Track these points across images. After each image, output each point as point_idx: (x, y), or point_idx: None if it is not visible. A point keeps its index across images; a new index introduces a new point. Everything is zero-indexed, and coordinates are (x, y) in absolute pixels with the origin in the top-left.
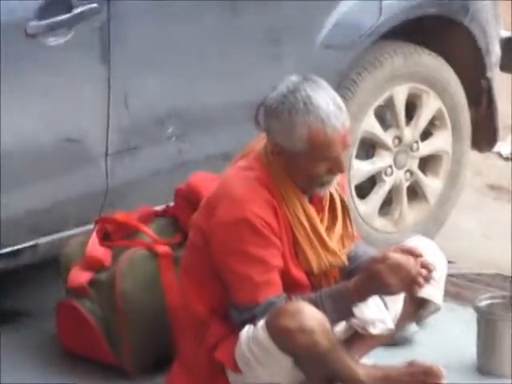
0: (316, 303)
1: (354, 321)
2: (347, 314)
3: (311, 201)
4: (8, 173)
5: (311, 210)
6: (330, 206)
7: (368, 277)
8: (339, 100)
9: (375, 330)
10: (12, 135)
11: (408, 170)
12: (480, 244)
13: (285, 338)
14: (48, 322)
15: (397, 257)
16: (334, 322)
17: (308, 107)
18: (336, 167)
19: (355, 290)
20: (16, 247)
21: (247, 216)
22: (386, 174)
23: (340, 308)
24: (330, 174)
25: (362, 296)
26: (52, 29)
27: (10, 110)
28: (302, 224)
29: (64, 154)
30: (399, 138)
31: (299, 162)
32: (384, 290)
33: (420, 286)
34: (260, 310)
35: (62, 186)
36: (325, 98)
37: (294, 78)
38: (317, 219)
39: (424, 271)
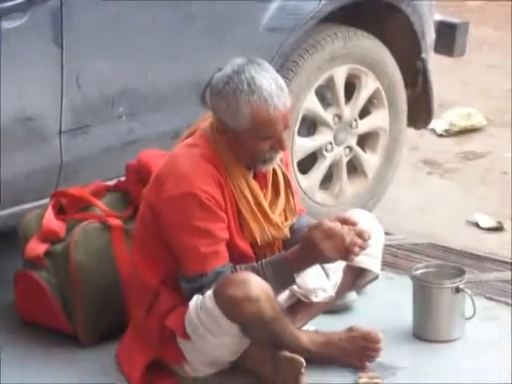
0: (258, 272)
1: (296, 289)
2: (288, 282)
3: (255, 177)
4: None
5: (255, 185)
6: (273, 181)
7: (303, 244)
8: (281, 81)
9: (317, 298)
10: None
11: (347, 147)
12: (415, 216)
13: (231, 306)
14: (6, 293)
15: (330, 224)
16: (276, 290)
17: (252, 87)
18: (278, 145)
19: (293, 257)
20: None
21: (194, 191)
22: (326, 150)
23: (280, 276)
24: (273, 152)
25: (300, 263)
26: (7, 13)
27: None
28: (246, 198)
29: (20, 131)
30: (339, 116)
31: (243, 140)
32: (318, 255)
33: (355, 254)
34: (208, 279)
35: (18, 161)
36: (268, 80)
37: (238, 60)
38: (260, 194)
39: (359, 240)
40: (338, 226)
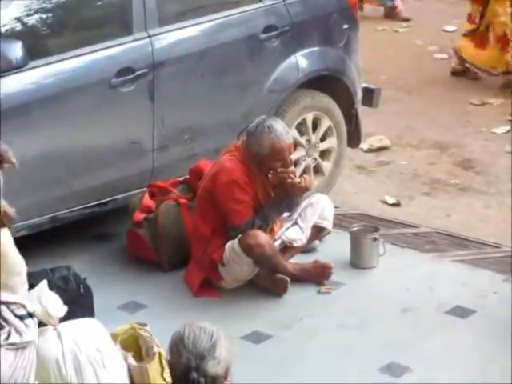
0: (264, 216)
1: (285, 239)
2: (280, 213)
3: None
4: (103, 159)
5: (266, 182)
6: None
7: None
8: (287, 127)
9: (296, 244)
10: (105, 139)
11: (313, 158)
12: (352, 197)
13: (248, 248)
14: (122, 241)
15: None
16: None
17: (270, 130)
18: (285, 164)
19: (276, 199)
20: (106, 199)
21: (235, 178)
22: (301, 160)
23: (273, 212)
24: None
25: (281, 197)
26: (124, 83)
27: (101, 126)
28: (260, 187)
29: (130, 150)
30: (309, 141)
31: (264, 161)
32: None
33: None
34: (242, 228)
35: (130, 166)
36: (279, 126)
37: (263, 117)
38: (268, 186)
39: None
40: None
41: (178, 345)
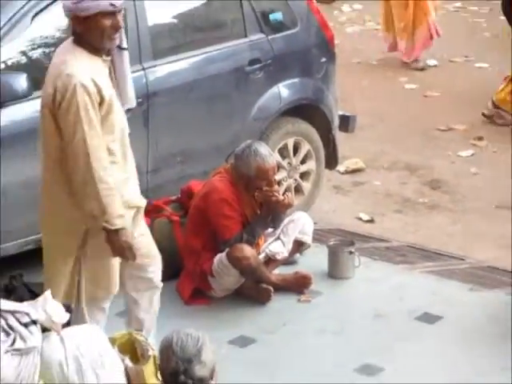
0: (252, 230)
1: (268, 252)
2: (265, 228)
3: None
4: None
5: (252, 200)
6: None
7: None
8: (270, 151)
9: (279, 257)
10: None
11: (294, 179)
12: (330, 214)
13: (235, 261)
14: None
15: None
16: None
17: (256, 153)
18: (269, 184)
19: (262, 215)
20: None
21: (225, 197)
22: (283, 181)
23: (259, 227)
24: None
25: (267, 213)
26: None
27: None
28: (248, 205)
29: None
30: (290, 163)
31: (251, 181)
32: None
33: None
34: (231, 241)
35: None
36: (264, 150)
37: (248, 141)
38: (254, 204)
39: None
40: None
41: (167, 350)
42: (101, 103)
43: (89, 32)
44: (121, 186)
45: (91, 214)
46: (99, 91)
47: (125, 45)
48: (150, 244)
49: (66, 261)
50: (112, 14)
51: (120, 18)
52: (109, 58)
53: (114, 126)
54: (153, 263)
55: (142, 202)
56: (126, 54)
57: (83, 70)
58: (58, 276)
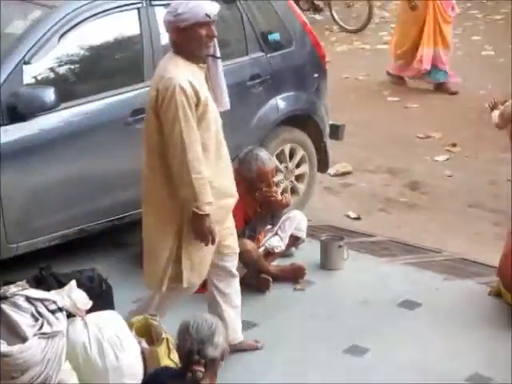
0: (253, 227)
1: (268, 246)
2: (265, 225)
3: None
4: (121, 182)
5: (253, 200)
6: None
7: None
8: (269, 155)
9: (277, 250)
10: (122, 166)
11: (290, 181)
12: (322, 212)
13: (240, 254)
14: (137, 248)
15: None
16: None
17: (257, 158)
18: (269, 186)
19: (262, 213)
20: (123, 215)
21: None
22: (281, 182)
23: (260, 224)
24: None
25: (266, 212)
26: (137, 121)
27: (119, 156)
28: (249, 204)
29: (139, 174)
30: (286, 167)
31: (252, 183)
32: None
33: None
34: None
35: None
36: (264, 155)
37: (250, 147)
38: (255, 203)
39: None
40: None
41: (184, 332)
42: (197, 104)
43: (187, 41)
44: (214, 178)
45: (185, 199)
46: (196, 93)
47: (218, 54)
48: (234, 238)
49: (164, 245)
50: (207, 23)
51: (214, 27)
52: (204, 65)
53: (210, 125)
54: (232, 255)
55: (234, 194)
56: (219, 62)
57: (182, 74)
58: (158, 257)
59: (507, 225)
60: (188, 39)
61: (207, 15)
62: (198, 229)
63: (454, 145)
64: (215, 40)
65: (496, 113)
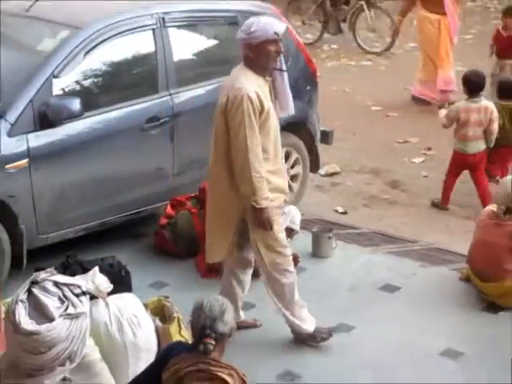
0: None
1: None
2: None
3: None
4: (138, 181)
5: None
6: None
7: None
8: None
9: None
10: (139, 167)
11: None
12: (314, 208)
13: None
14: (152, 238)
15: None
16: None
17: None
18: None
19: None
20: (140, 209)
21: None
22: None
23: None
24: None
25: None
26: (152, 128)
27: (136, 158)
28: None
29: (157, 174)
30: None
31: None
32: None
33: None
34: None
35: (157, 186)
36: None
37: None
38: None
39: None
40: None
41: (198, 310)
42: (261, 112)
43: (258, 56)
44: (272, 176)
45: (245, 194)
46: (261, 103)
47: (284, 68)
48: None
49: (225, 230)
50: (275, 41)
51: (281, 44)
52: (269, 79)
53: (270, 131)
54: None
55: (286, 190)
56: (285, 74)
57: (250, 85)
58: (218, 239)
59: (475, 219)
60: (258, 54)
61: (276, 33)
62: (258, 219)
63: (429, 148)
64: (281, 55)
65: (443, 112)
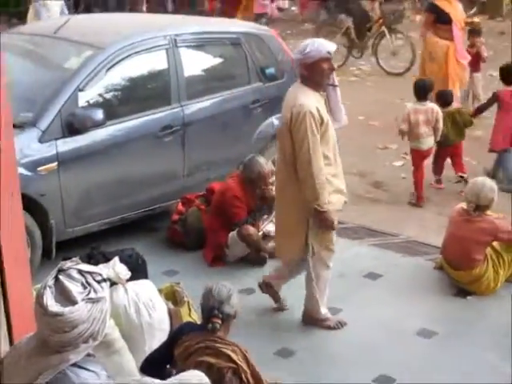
0: (253, 216)
1: (264, 230)
2: (262, 214)
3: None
4: (153, 181)
5: (254, 195)
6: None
7: None
8: (266, 161)
9: (272, 234)
10: (154, 169)
11: None
12: None
13: (242, 237)
14: (165, 232)
15: None
16: (259, 218)
17: (257, 163)
18: (266, 184)
19: (261, 205)
20: (155, 206)
21: (235, 193)
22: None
23: (259, 214)
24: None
25: (264, 204)
26: (165, 135)
27: (152, 161)
28: (251, 198)
29: (169, 175)
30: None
31: (253, 182)
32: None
33: None
34: (239, 224)
35: (169, 186)
36: (262, 160)
37: (252, 155)
38: (255, 198)
39: None
40: None
41: (208, 294)
42: (321, 124)
43: (313, 74)
44: (333, 178)
45: (308, 199)
46: (320, 116)
47: (336, 83)
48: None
49: (296, 230)
50: (328, 59)
51: (332, 62)
52: (324, 93)
53: (329, 140)
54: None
55: (345, 192)
56: (337, 89)
57: (310, 102)
58: (291, 239)
59: (447, 215)
60: (313, 72)
61: (328, 52)
62: (321, 221)
63: (408, 154)
64: (334, 72)
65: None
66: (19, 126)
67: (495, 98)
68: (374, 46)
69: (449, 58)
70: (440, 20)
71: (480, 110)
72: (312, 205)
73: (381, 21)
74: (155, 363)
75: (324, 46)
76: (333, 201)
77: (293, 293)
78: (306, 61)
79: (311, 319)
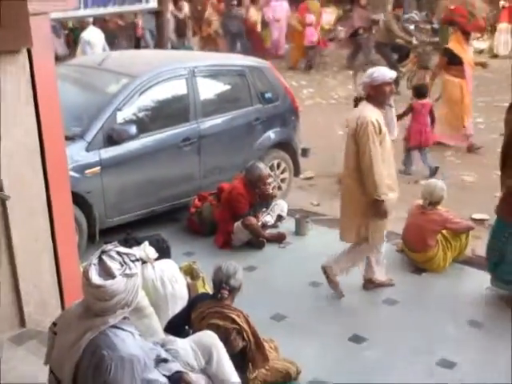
0: (254, 209)
1: (263, 220)
2: (261, 208)
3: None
4: (175, 182)
5: (255, 193)
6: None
7: None
8: (265, 166)
9: (269, 224)
10: (176, 173)
11: (277, 182)
12: (296, 201)
13: (246, 226)
14: (185, 222)
15: None
16: (259, 211)
17: (258, 168)
18: (265, 184)
19: (260, 201)
20: (177, 202)
21: (240, 191)
22: (271, 183)
23: (259, 207)
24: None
25: (263, 200)
26: (185, 146)
27: (174, 166)
28: (253, 196)
29: (188, 177)
30: (275, 174)
31: (254, 183)
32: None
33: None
34: (243, 216)
35: (188, 186)
36: (262, 165)
37: (253, 161)
38: (256, 195)
39: None
40: None
41: (217, 270)
42: (380, 133)
43: (377, 94)
44: (388, 178)
45: (369, 191)
46: (380, 127)
47: (393, 104)
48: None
49: (356, 221)
50: (389, 83)
51: (393, 86)
52: (384, 111)
53: (386, 146)
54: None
55: (397, 190)
56: (393, 109)
57: (372, 115)
58: (351, 228)
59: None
60: (378, 93)
61: (390, 78)
62: (378, 210)
63: None
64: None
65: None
66: (70, 138)
67: (411, 108)
68: (409, 79)
69: (463, 94)
70: (452, 62)
71: (399, 117)
72: (373, 196)
73: (415, 59)
74: (177, 325)
75: (387, 72)
76: (389, 196)
77: (278, 269)
78: (373, 83)
79: (366, 282)
